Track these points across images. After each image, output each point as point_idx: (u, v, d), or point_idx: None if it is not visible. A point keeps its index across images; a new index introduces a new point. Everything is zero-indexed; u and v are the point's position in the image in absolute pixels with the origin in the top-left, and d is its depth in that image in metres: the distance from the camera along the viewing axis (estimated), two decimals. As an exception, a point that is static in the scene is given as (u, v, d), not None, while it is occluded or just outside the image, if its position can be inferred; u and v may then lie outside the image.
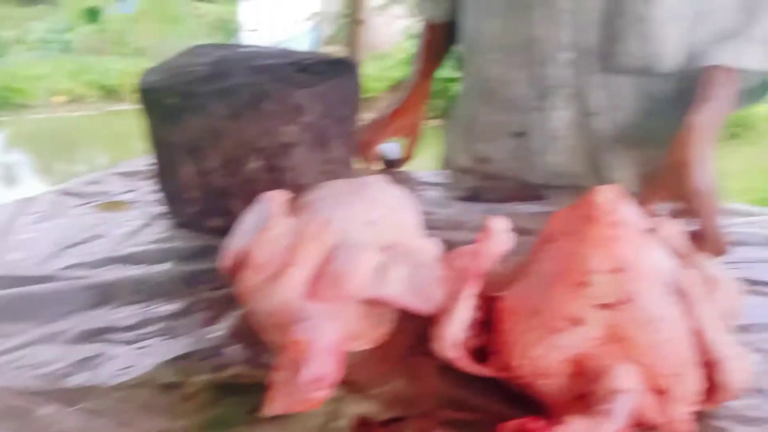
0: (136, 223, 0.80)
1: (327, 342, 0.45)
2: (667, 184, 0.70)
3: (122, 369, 0.52)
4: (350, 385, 0.49)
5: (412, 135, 1.08)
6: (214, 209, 0.75)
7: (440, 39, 1.09)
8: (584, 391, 0.43)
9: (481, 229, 0.55)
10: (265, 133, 0.73)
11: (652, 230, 0.51)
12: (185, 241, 0.75)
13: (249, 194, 0.64)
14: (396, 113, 1.06)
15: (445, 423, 0.46)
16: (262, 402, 0.44)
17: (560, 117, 0.94)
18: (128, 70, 6.34)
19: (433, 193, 0.95)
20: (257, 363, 0.52)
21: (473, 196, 0.92)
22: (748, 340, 0.56)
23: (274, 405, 0.44)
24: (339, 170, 0.81)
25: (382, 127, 1.06)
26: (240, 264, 0.55)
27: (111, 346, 0.55)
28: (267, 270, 0.53)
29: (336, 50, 4.76)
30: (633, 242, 0.47)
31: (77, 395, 0.49)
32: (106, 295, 0.63)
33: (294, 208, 0.60)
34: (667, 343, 0.43)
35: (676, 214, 0.64)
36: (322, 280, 0.52)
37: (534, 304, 0.47)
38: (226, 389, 0.49)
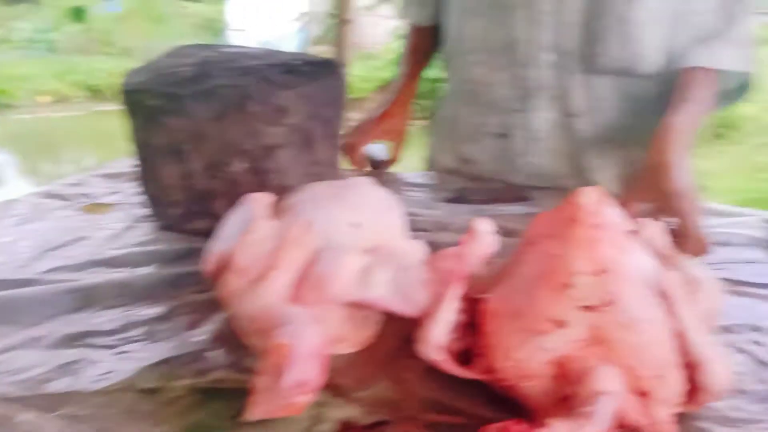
0: (119, 225, 0.80)
1: (309, 346, 0.45)
2: (647, 185, 0.71)
3: (103, 374, 0.51)
4: (334, 389, 0.49)
5: (399, 138, 1.08)
6: (197, 212, 0.75)
7: (426, 42, 1.10)
8: (567, 393, 0.43)
9: (466, 230, 0.55)
10: (249, 135, 0.73)
11: (634, 232, 0.51)
12: (169, 243, 0.74)
13: (233, 196, 0.63)
14: (382, 116, 1.06)
15: (429, 426, 0.46)
16: (244, 407, 0.44)
17: (542, 118, 0.95)
18: (114, 70, 6.29)
19: (419, 195, 0.95)
20: (240, 367, 0.51)
21: (459, 198, 0.92)
22: (731, 340, 0.56)
23: (257, 410, 0.44)
24: (325, 172, 0.81)
25: (368, 130, 1.06)
26: (223, 267, 0.55)
27: (92, 350, 0.54)
28: (250, 273, 0.52)
29: (324, 50, 4.74)
30: (616, 244, 0.47)
31: (57, 401, 0.48)
32: (88, 298, 0.62)
33: (277, 210, 0.60)
34: (649, 344, 0.43)
35: (657, 215, 0.64)
36: (306, 284, 0.52)
37: (517, 306, 0.47)
38: (208, 394, 0.49)
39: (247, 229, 0.55)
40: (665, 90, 0.84)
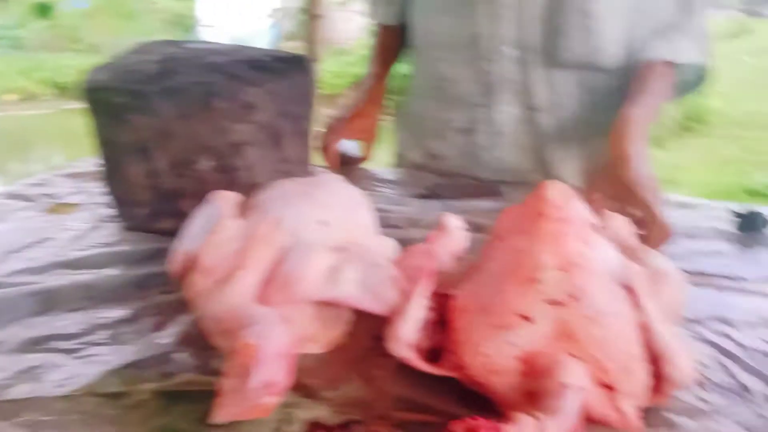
0: (83, 226, 0.78)
1: (277, 346, 0.44)
2: (608, 177, 0.72)
3: (66, 379, 0.50)
4: (303, 389, 0.48)
5: (370, 136, 1.08)
6: (164, 211, 0.74)
7: (393, 41, 1.09)
8: (535, 387, 0.43)
9: (437, 226, 0.55)
10: (216, 132, 0.72)
11: (599, 225, 0.52)
12: (134, 244, 0.73)
13: (200, 195, 0.62)
14: (353, 116, 1.06)
15: (399, 425, 0.45)
16: (211, 409, 0.43)
17: (505, 113, 0.95)
18: (82, 67, 6.15)
19: (390, 191, 0.95)
20: (207, 369, 0.50)
21: (430, 194, 0.92)
22: (696, 332, 0.57)
23: (224, 412, 0.43)
24: (295, 169, 0.80)
25: (339, 129, 1.05)
26: (189, 267, 0.54)
27: (55, 355, 0.53)
28: (216, 273, 0.52)
29: (296, 46, 4.71)
30: (581, 238, 0.47)
31: (18, 407, 0.47)
32: (51, 301, 0.61)
33: (245, 208, 0.59)
34: (615, 338, 0.43)
35: (619, 207, 0.65)
36: (273, 283, 0.51)
37: (485, 302, 0.47)
38: (174, 397, 0.48)
39: (213, 228, 0.55)
40: (626, 83, 0.85)
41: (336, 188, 0.63)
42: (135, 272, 0.66)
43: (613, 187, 0.70)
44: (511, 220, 0.50)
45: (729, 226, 0.81)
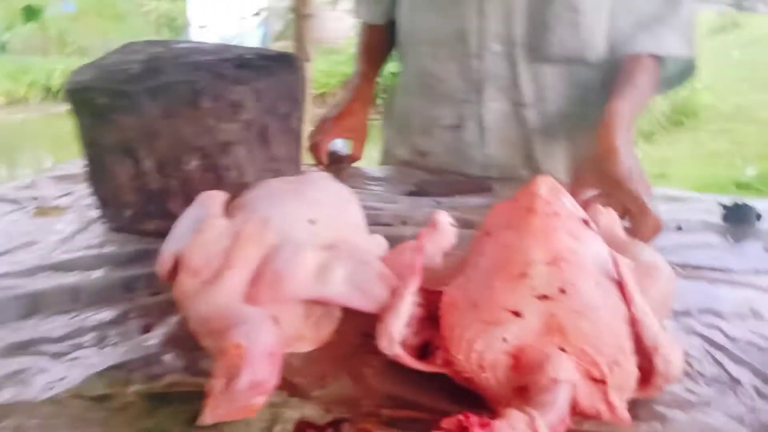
0: (69, 228, 0.77)
1: (264, 346, 0.44)
2: (595, 171, 0.72)
3: (52, 382, 0.49)
4: (291, 388, 0.48)
5: (360, 135, 1.08)
6: (151, 212, 0.73)
7: (380, 40, 1.09)
8: (525, 382, 0.43)
9: (427, 223, 0.55)
10: (202, 132, 0.71)
11: (587, 219, 0.51)
12: (121, 245, 0.72)
13: (188, 195, 0.62)
14: (341, 116, 1.05)
15: (389, 422, 0.45)
16: (199, 411, 0.43)
17: (493, 109, 0.95)
18: (70, 70, 6.13)
19: (379, 189, 0.94)
20: (195, 370, 0.50)
21: (419, 191, 0.92)
22: (686, 324, 0.57)
23: (212, 413, 0.43)
24: (284, 168, 0.79)
25: (329, 129, 1.05)
26: (177, 268, 0.53)
27: (40, 358, 0.52)
28: (204, 274, 0.51)
29: (285, 46, 4.70)
30: (570, 232, 0.47)
31: (4, 411, 0.46)
32: (36, 304, 0.60)
33: (233, 207, 0.59)
34: (604, 332, 0.43)
35: (607, 200, 0.65)
36: (262, 282, 0.51)
37: (475, 298, 0.46)
38: (162, 399, 0.47)
39: (200, 227, 0.54)
40: (612, 77, 0.85)
41: (324, 186, 0.63)
42: (121, 274, 0.66)
43: (602, 181, 0.70)
44: (500, 216, 0.50)
45: (717, 218, 0.81)
